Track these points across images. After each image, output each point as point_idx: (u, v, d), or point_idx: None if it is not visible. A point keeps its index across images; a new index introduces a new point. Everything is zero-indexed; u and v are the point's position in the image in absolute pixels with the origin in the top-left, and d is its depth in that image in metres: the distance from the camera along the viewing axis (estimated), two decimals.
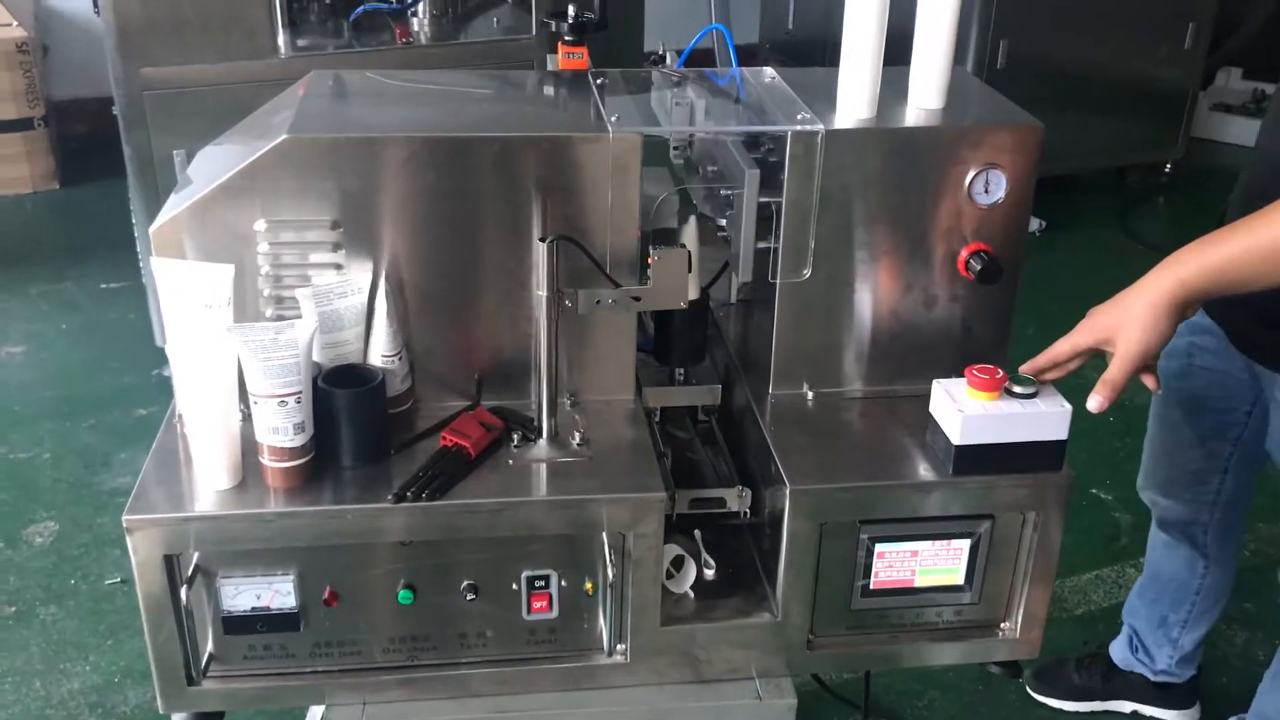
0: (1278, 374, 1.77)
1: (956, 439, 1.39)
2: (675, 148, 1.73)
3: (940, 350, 1.57)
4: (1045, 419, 1.40)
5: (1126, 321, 1.37)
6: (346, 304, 1.40)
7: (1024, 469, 1.41)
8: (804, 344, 1.55)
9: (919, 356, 1.57)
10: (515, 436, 1.44)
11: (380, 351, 1.41)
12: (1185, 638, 2.28)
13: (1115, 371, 1.37)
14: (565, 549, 1.39)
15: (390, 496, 1.32)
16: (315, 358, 1.39)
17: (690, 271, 1.42)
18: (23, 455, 3.23)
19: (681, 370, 1.61)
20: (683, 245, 1.42)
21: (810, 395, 1.56)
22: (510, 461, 1.41)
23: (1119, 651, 2.39)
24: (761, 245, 1.48)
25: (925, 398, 1.48)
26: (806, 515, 1.40)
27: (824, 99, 1.48)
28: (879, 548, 1.44)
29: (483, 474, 1.39)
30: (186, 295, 1.33)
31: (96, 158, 4.72)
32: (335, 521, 1.33)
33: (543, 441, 1.44)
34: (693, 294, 1.43)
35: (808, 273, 1.49)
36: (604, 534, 1.37)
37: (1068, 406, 1.40)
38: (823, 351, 1.56)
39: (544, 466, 1.41)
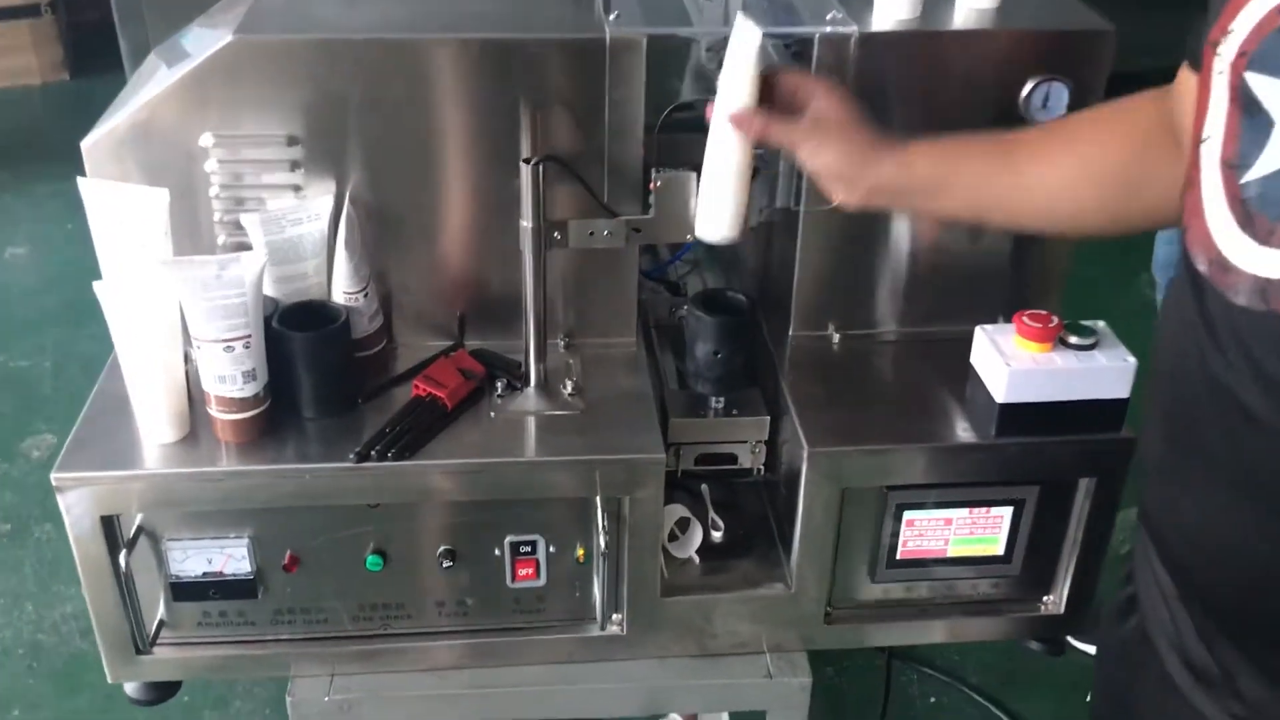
0: None
1: (1001, 396, 1.21)
2: (709, 49, 1.52)
3: (985, 289, 1.38)
4: (1105, 374, 1.21)
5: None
6: (304, 231, 1.23)
7: (1078, 430, 1.23)
8: (830, 279, 1.36)
9: (961, 296, 1.38)
10: (499, 385, 1.28)
11: (343, 287, 1.25)
12: None
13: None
14: (553, 512, 1.24)
15: (353, 455, 1.17)
16: (269, 292, 1.22)
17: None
18: (23, 363, 3.12)
19: (719, 399, 1.36)
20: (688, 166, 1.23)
21: (836, 338, 1.39)
22: (492, 414, 1.25)
23: None
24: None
25: (966, 342, 1.30)
26: (826, 479, 1.23)
27: None
28: (908, 515, 1.27)
29: (460, 428, 1.23)
30: (117, 223, 1.16)
31: (109, 47, 4.52)
32: (292, 482, 1.18)
33: (530, 390, 1.28)
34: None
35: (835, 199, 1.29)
36: (597, 498, 1.21)
37: (1131, 360, 1.21)
38: (852, 288, 1.38)
39: (530, 420, 1.25)
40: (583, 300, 1.35)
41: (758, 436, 1.35)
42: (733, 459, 1.36)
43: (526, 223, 1.20)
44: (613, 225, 1.23)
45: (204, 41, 1.26)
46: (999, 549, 1.31)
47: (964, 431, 1.24)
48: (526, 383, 1.28)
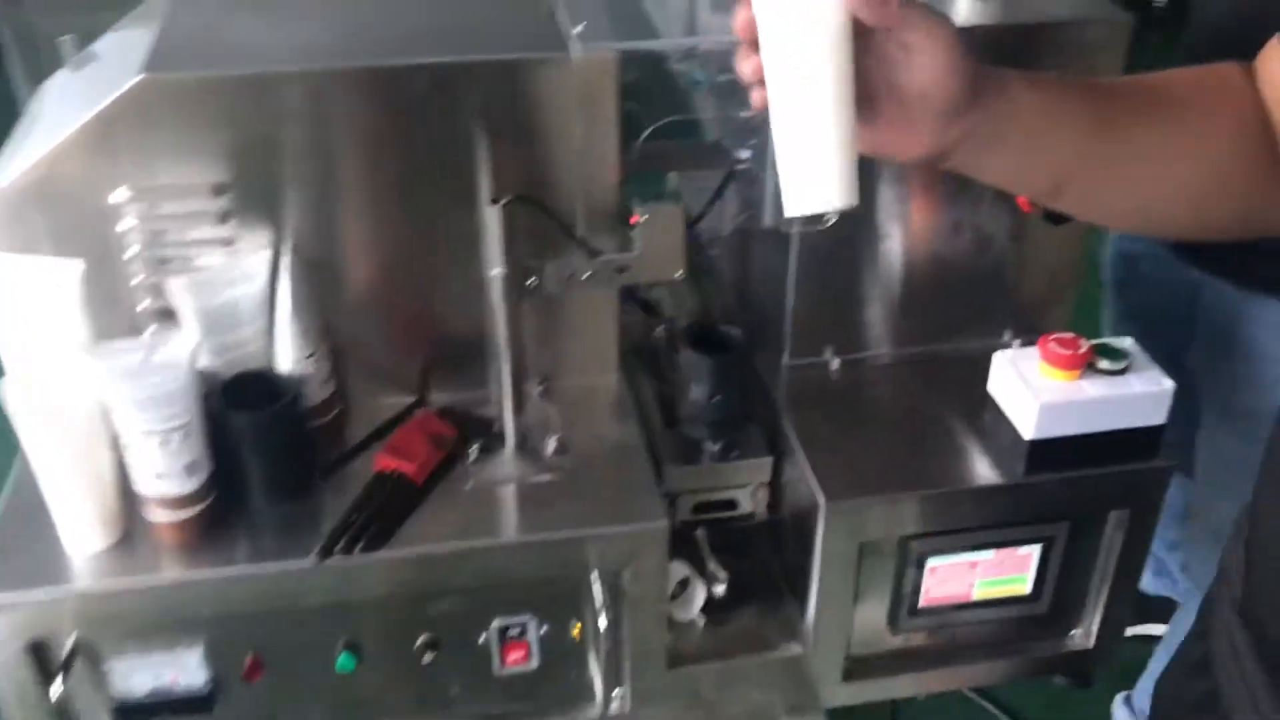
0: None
1: (1030, 432, 1.10)
2: (682, 60, 1.38)
3: (990, 303, 1.27)
4: (1140, 402, 1.11)
5: None
6: (241, 293, 1.07)
7: (1111, 461, 1.13)
8: (826, 301, 1.24)
9: (964, 311, 1.27)
10: (472, 449, 1.14)
11: (291, 354, 1.09)
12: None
13: None
14: (545, 590, 1.11)
15: (316, 552, 1.03)
16: (205, 364, 1.07)
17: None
18: None
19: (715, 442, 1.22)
20: (674, 199, 1.10)
21: (835, 364, 1.27)
22: (469, 485, 1.11)
23: (1145, 580, 2.15)
24: None
25: (973, 361, 1.19)
26: (844, 534, 1.12)
27: None
28: (931, 562, 1.16)
29: (433, 506, 1.09)
30: (19, 304, 1.00)
31: None
32: (248, 586, 1.03)
33: (508, 453, 1.14)
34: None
35: (832, 219, 1.17)
36: (593, 573, 1.09)
37: (1168, 383, 1.11)
38: (848, 309, 1.26)
39: (512, 490, 1.12)
40: (559, 339, 1.21)
41: (759, 479, 1.23)
42: (732, 504, 1.24)
43: (496, 270, 1.06)
44: (594, 266, 1.10)
45: (105, 74, 1.09)
46: (1026, 588, 1.21)
47: (989, 470, 1.14)
48: (503, 442, 1.15)
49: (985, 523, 1.15)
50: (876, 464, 1.15)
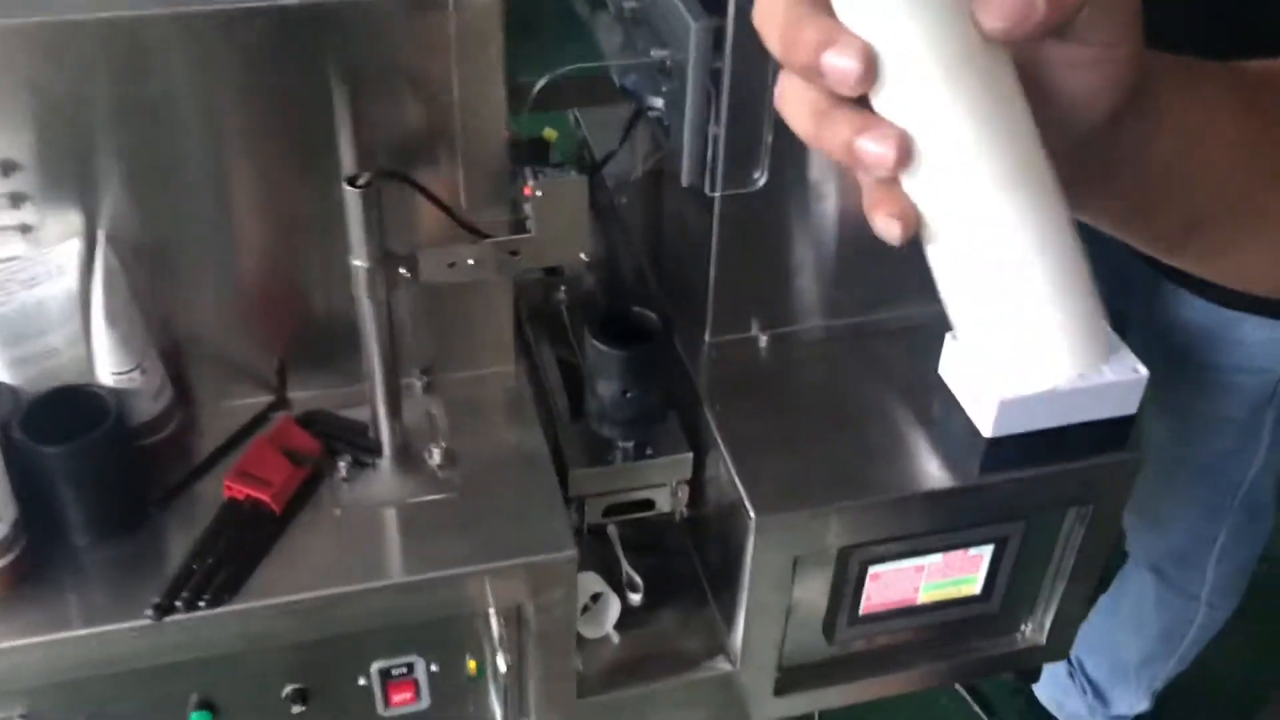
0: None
1: (989, 429, 0.97)
2: None
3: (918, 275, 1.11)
4: (1111, 392, 0.98)
5: None
6: (46, 293, 0.88)
7: (1076, 456, 1.00)
8: (755, 268, 1.08)
9: (909, 273, 1.11)
10: (342, 463, 0.97)
11: (111, 366, 0.90)
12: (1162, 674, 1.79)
13: None
14: (434, 629, 0.95)
15: (151, 608, 0.85)
16: (5, 378, 0.88)
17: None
18: None
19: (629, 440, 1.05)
20: (569, 167, 0.91)
21: (764, 340, 1.11)
22: (338, 511, 0.94)
23: (1048, 690, 1.91)
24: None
25: (917, 330, 1.06)
26: (777, 549, 0.98)
27: None
28: (874, 569, 1.03)
29: (295, 538, 0.92)
30: None
31: None
32: (73, 651, 0.86)
33: (384, 465, 0.97)
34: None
35: (761, 179, 1.00)
36: (490, 610, 0.93)
37: (1142, 371, 0.98)
38: (779, 277, 1.10)
39: (390, 514, 0.95)
40: (444, 323, 1.04)
41: (679, 477, 1.08)
42: (649, 504, 1.09)
43: (360, 261, 0.87)
44: (479, 251, 0.91)
45: None
46: (976, 589, 1.08)
47: (940, 471, 1.00)
48: (379, 453, 0.98)
49: (935, 527, 1.01)
50: (811, 466, 1.00)
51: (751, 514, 0.95)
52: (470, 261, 0.91)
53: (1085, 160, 0.47)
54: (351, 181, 0.84)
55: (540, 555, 0.92)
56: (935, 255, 0.45)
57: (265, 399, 1.02)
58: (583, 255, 0.93)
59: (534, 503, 0.96)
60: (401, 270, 0.89)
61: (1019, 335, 0.43)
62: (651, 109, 1.03)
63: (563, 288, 1.27)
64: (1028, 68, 0.43)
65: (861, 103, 0.42)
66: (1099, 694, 1.82)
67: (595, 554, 1.09)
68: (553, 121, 1.25)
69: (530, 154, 0.97)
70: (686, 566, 1.14)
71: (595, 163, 1.27)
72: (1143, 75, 0.45)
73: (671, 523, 1.13)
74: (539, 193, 0.90)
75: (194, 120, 0.88)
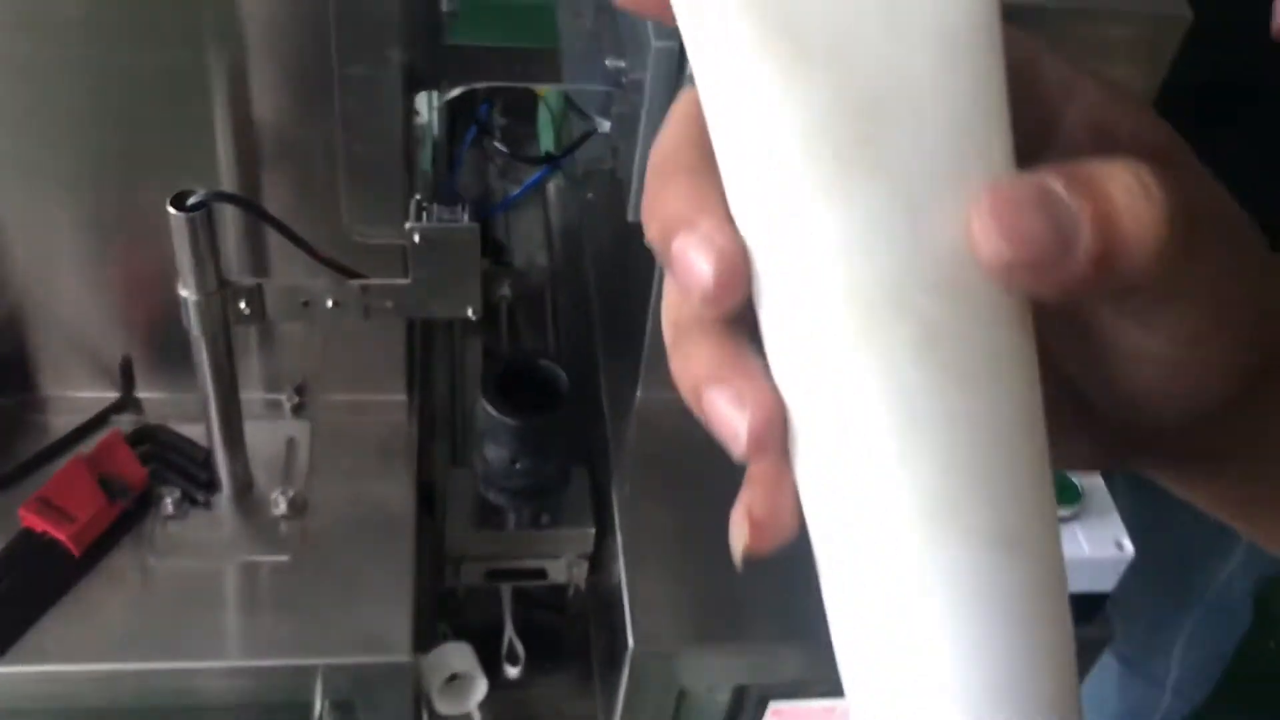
0: None
1: None
2: None
3: None
4: (1085, 568, 0.81)
5: None
6: None
7: None
8: None
9: None
10: (169, 498, 0.83)
11: None
12: None
13: None
14: (252, 713, 0.82)
15: None
16: None
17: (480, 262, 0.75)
18: None
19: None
20: (466, 210, 0.74)
21: None
22: (152, 559, 0.81)
23: None
24: None
25: None
26: (658, 682, 0.83)
27: None
28: (774, 705, 0.88)
29: (93, 590, 0.79)
30: None
31: None
32: None
33: (220, 505, 0.83)
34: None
35: None
36: (318, 700, 0.80)
37: (1126, 547, 0.81)
38: None
39: (212, 574, 0.81)
40: (324, 339, 0.88)
41: (578, 551, 0.93)
42: (540, 574, 0.95)
43: (187, 293, 0.71)
44: (341, 293, 0.75)
45: None
46: None
47: None
48: (214, 489, 0.84)
49: None
50: (719, 585, 0.85)
51: (630, 643, 0.80)
52: (329, 303, 0.75)
53: (1168, 450, 0.31)
54: (178, 203, 0.67)
55: (371, 657, 0.78)
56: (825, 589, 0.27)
57: (109, 394, 0.88)
58: (470, 313, 0.77)
59: (380, 583, 0.81)
60: (242, 306, 0.74)
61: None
62: (599, 129, 0.85)
63: (506, 285, 1.11)
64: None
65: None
66: None
67: (479, 607, 0.96)
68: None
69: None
70: (584, 634, 1.00)
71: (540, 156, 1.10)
72: (1266, 352, 0.28)
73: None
74: (417, 238, 0.73)
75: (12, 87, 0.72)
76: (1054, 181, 0.22)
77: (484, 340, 1.10)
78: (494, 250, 1.13)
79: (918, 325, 0.23)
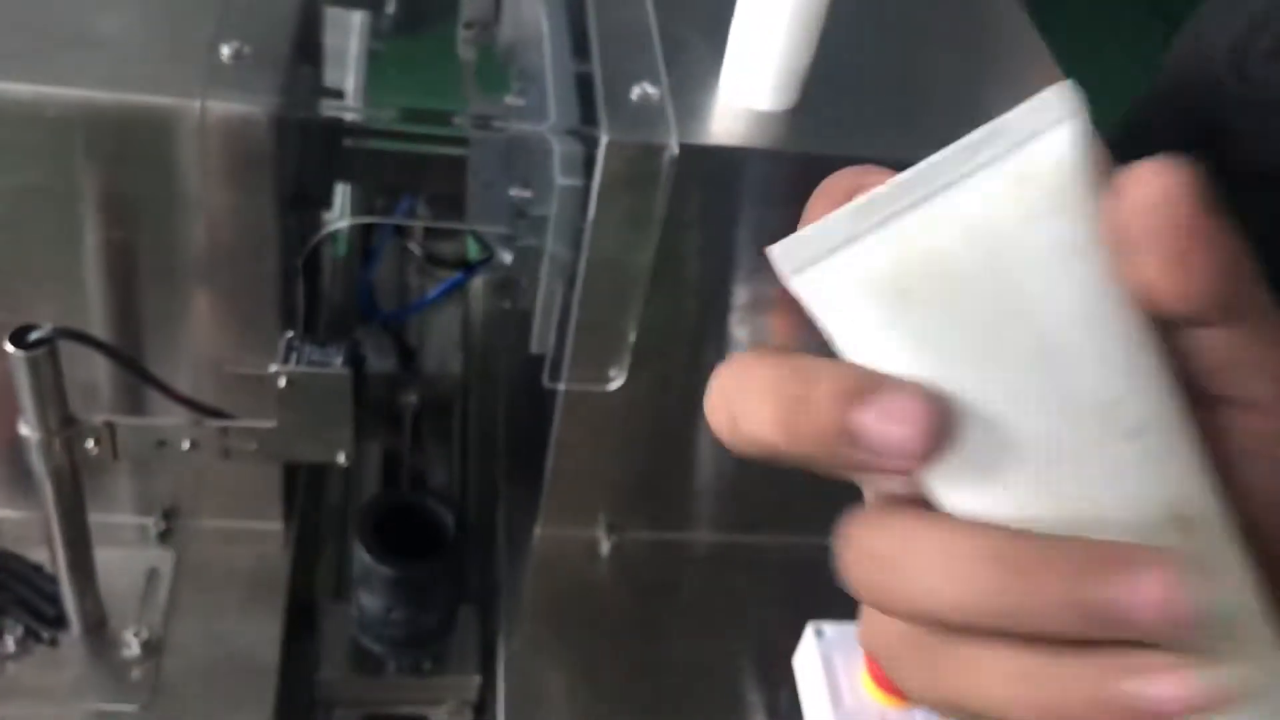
0: None
1: None
2: (467, 26, 0.94)
3: (825, 491, 0.89)
4: None
5: None
6: None
7: None
8: (602, 464, 0.86)
9: (792, 498, 0.89)
10: (11, 636, 0.76)
11: None
12: None
13: None
14: None
15: None
16: None
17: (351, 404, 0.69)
18: None
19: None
20: (342, 352, 0.68)
21: (606, 546, 0.89)
22: None
23: None
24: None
25: (786, 562, 0.85)
26: None
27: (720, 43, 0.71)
28: None
29: None
30: None
31: None
32: None
33: (68, 644, 0.77)
34: None
35: (618, 379, 0.78)
36: None
37: None
38: (632, 478, 0.88)
39: None
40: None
41: (462, 699, 0.87)
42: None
43: (30, 432, 0.65)
44: (198, 433, 0.69)
45: None
46: None
47: None
48: (61, 625, 0.77)
49: None
50: None
51: None
52: (185, 445, 0.69)
53: None
54: (17, 340, 0.62)
55: None
56: None
57: None
58: (340, 459, 0.71)
59: None
60: (90, 445, 0.68)
61: None
62: (500, 264, 0.80)
63: (414, 389, 1.05)
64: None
65: None
66: None
67: None
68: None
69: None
70: None
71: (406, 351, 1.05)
72: None
73: None
74: (282, 382, 0.67)
75: None
76: None
77: (383, 447, 1.04)
78: (403, 355, 1.08)
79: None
